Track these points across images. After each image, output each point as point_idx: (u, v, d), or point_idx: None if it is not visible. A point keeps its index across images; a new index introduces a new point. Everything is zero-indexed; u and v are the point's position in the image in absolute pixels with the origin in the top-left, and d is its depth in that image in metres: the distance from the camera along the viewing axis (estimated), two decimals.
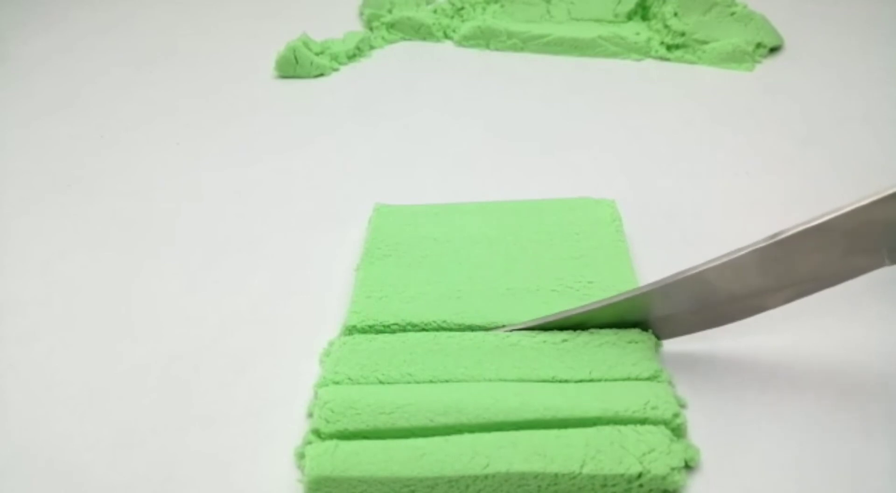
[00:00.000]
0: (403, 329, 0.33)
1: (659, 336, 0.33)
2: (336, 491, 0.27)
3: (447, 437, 0.28)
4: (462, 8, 0.66)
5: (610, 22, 0.63)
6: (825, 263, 0.30)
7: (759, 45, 0.58)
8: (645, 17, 0.63)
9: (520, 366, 0.31)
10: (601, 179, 0.45)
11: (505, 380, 0.30)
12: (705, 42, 0.59)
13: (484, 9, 0.66)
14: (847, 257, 0.30)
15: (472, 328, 0.33)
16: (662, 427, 0.28)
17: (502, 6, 0.65)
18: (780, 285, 0.31)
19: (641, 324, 0.33)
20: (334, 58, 0.60)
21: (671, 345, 0.33)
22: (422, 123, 0.52)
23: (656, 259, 0.37)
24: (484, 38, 0.62)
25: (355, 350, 0.32)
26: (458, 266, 0.36)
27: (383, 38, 0.64)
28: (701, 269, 0.30)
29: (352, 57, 0.61)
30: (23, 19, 0.72)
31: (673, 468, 0.27)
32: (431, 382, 0.31)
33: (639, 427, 0.28)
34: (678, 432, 0.29)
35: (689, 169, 0.46)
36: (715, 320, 0.32)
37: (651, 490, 0.27)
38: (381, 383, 0.31)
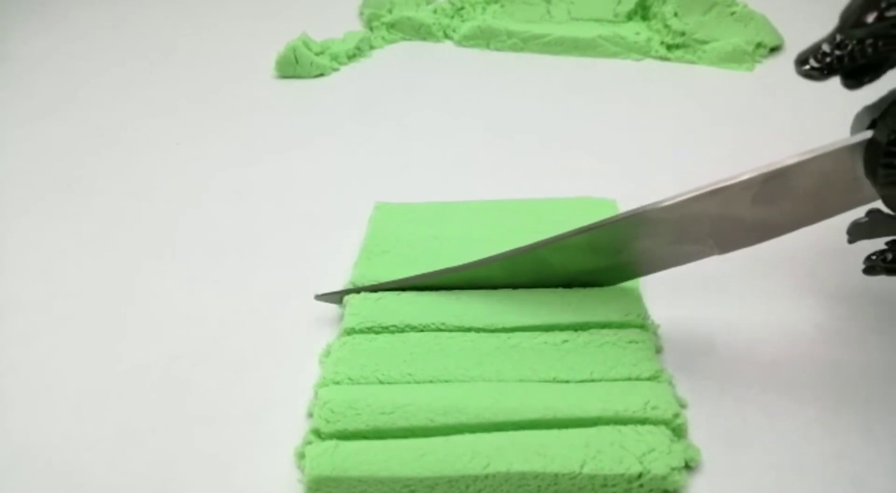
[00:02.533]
0: (402, 331, 0.33)
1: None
2: (336, 491, 0.27)
3: (447, 437, 0.28)
4: (462, 8, 0.66)
5: (610, 22, 0.63)
6: (654, 248, 0.32)
7: (759, 45, 0.58)
8: (645, 17, 0.63)
9: (520, 367, 0.31)
10: (601, 179, 0.45)
11: (505, 380, 0.30)
12: (705, 42, 0.59)
13: (484, 9, 0.66)
14: (675, 245, 0.32)
15: (470, 330, 0.33)
16: (663, 427, 0.28)
17: (502, 6, 0.65)
18: (609, 266, 0.33)
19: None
20: (334, 58, 0.60)
21: (671, 345, 0.33)
22: (422, 123, 0.52)
23: None
24: (484, 38, 0.62)
25: (355, 350, 0.32)
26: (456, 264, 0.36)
27: (383, 38, 0.64)
28: (537, 245, 0.33)
29: (352, 57, 0.61)
30: (23, 19, 0.72)
31: (673, 468, 0.27)
32: (431, 382, 0.31)
33: (639, 427, 0.28)
34: (678, 432, 0.29)
35: (689, 169, 0.46)
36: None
37: (651, 490, 0.27)
38: (381, 383, 0.31)
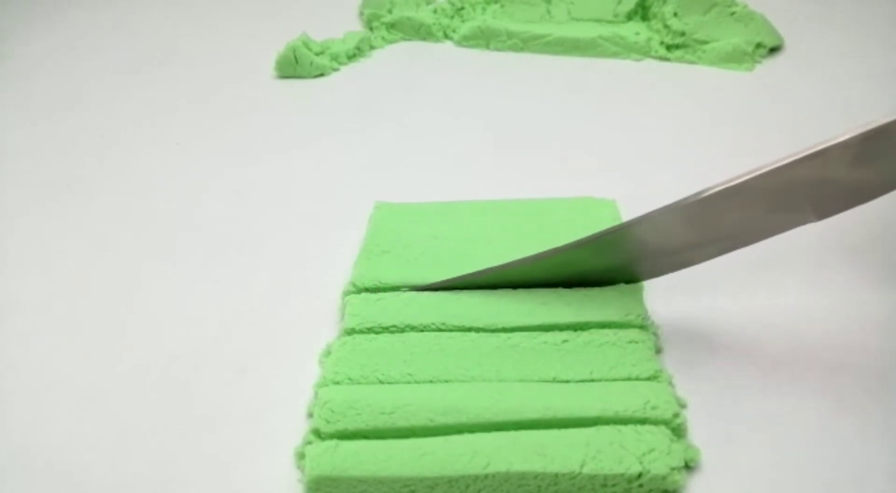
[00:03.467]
0: (402, 331, 0.33)
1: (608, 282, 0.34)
2: (336, 491, 0.27)
3: (447, 437, 0.28)
4: (462, 8, 0.66)
5: (610, 22, 0.63)
6: (748, 219, 0.31)
7: (759, 45, 0.58)
8: (645, 17, 0.63)
9: (520, 367, 0.31)
10: (601, 179, 0.45)
11: (505, 380, 0.30)
12: (705, 42, 0.59)
13: (484, 9, 0.66)
14: (770, 214, 0.31)
15: (470, 330, 0.33)
16: (662, 427, 0.28)
17: (502, 6, 0.65)
18: (706, 240, 0.32)
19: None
20: (334, 58, 0.60)
21: (671, 345, 0.33)
22: (422, 123, 0.52)
23: None
24: (484, 38, 0.62)
25: (355, 350, 0.32)
26: (457, 264, 0.36)
27: (383, 38, 0.64)
28: (631, 224, 0.32)
29: (352, 57, 0.61)
30: (23, 19, 0.72)
31: (673, 468, 0.27)
32: (431, 382, 0.31)
33: (639, 427, 0.28)
34: (678, 432, 0.29)
35: (689, 169, 0.46)
36: (648, 273, 0.34)
37: (651, 490, 0.27)
38: (381, 383, 0.31)
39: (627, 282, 0.34)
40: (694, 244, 0.33)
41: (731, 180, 0.30)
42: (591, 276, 0.34)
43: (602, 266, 0.34)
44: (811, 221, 0.31)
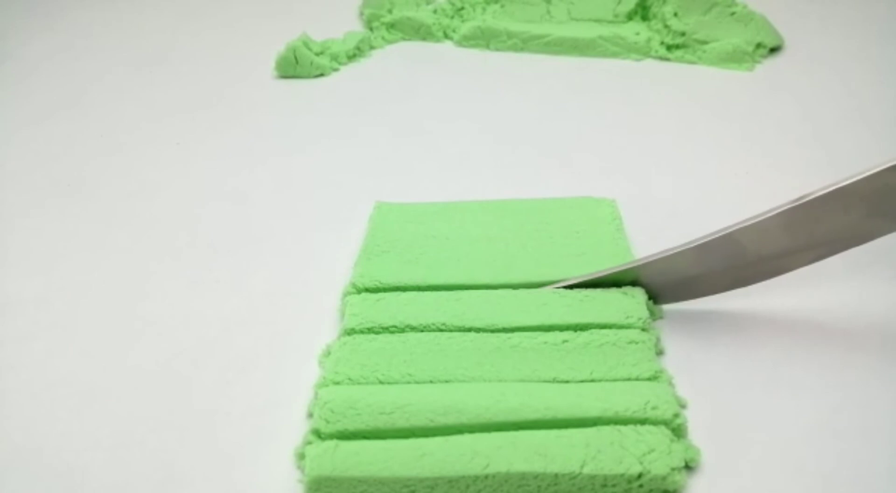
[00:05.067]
0: (402, 331, 0.33)
1: (688, 296, 0.35)
2: (336, 491, 0.27)
3: (447, 437, 0.28)
4: (462, 8, 0.66)
5: (610, 22, 0.63)
6: (848, 224, 0.32)
7: (759, 46, 0.58)
8: (645, 17, 0.63)
9: (520, 367, 0.31)
10: (601, 179, 0.45)
11: (505, 380, 0.30)
12: (705, 42, 0.59)
13: (484, 9, 0.66)
14: (868, 219, 0.31)
15: (471, 330, 0.33)
16: (663, 427, 0.28)
17: (502, 6, 0.65)
18: (805, 246, 0.33)
19: (670, 285, 0.34)
20: (334, 58, 0.60)
21: (671, 345, 0.33)
22: (422, 123, 0.52)
23: None
24: (484, 38, 0.62)
25: (355, 351, 0.32)
26: (457, 264, 0.36)
27: (383, 38, 0.64)
28: (731, 230, 0.32)
29: (352, 57, 0.61)
30: (23, 19, 0.72)
31: (673, 469, 0.27)
32: (431, 382, 0.31)
33: (639, 427, 0.28)
34: (678, 432, 0.29)
35: (689, 169, 0.46)
36: (745, 280, 0.34)
37: (651, 491, 0.27)
38: (381, 383, 0.31)
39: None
40: (791, 251, 0.33)
41: (831, 185, 0.30)
42: (691, 284, 0.35)
43: (700, 272, 0.34)
44: None
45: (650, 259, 0.34)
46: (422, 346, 0.32)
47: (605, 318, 0.33)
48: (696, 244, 0.33)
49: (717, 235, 0.32)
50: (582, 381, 0.30)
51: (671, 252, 0.33)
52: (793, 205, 0.31)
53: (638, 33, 0.60)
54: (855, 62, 0.57)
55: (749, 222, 0.32)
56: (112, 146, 0.51)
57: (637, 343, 0.32)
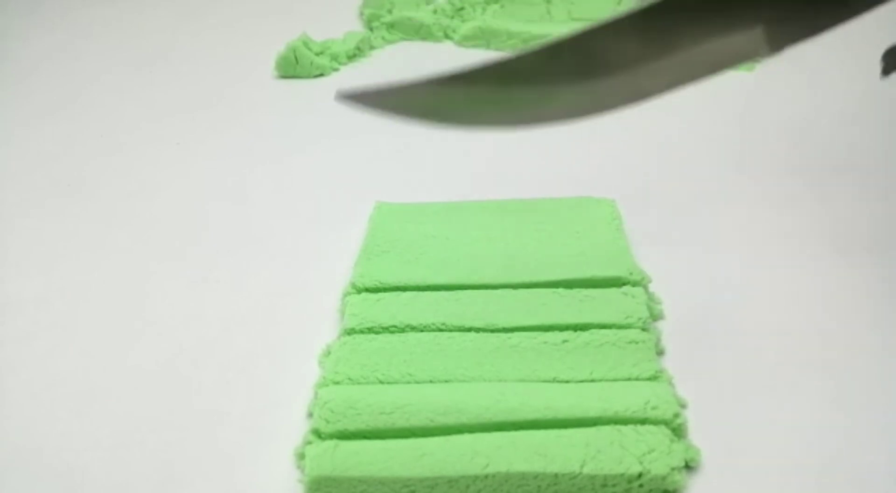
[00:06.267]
0: (402, 331, 0.33)
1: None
2: (336, 491, 0.27)
3: (447, 437, 0.28)
4: (462, 8, 0.66)
5: None
6: (700, 37, 0.30)
7: None
8: None
9: (520, 367, 0.31)
10: (601, 179, 0.45)
11: (505, 380, 0.30)
12: None
13: (484, 9, 0.66)
14: (725, 36, 0.30)
15: (471, 330, 0.33)
16: (663, 427, 0.28)
17: (502, 6, 0.65)
18: (658, 62, 0.30)
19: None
20: (334, 58, 0.60)
21: (671, 345, 0.33)
22: None
23: (656, 259, 0.37)
24: (484, 38, 0.62)
25: (355, 350, 0.32)
26: (457, 264, 0.36)
27: (383, 38, 0.64)
28: (579, 31, 0.29)
29: (352, 57, 0.61)
30: (23, 19, 0.72)
31: (673, 468, 0.27)
32: (431, 382, 0.31)
33: (639, 427, 0.28)
34: (678, 432, 0.29)
35: (689, 169, 0.46)
36: (604, 101, 0.32)
37: (651, 490, 0.27)
38: (381, 383, 0.31)
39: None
40: (646, 63, 0.30)
41: None
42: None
43: (555, 81, 0.31)
44: (764, 54, 0.30)
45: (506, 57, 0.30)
46: (422, 346, 0.32)
47: (605, 318, 0.33)
48: (544, 44, 0.29)
49: (569, 35, 0.29)
50: (582, 381, 0.30)
51: (520, 51, 0.30)
52: (643, 6, 0.28)
53: None
54: (855, 62, 0.57)
55: (599, 22, 0.29)
56: (112, 146, 0.51)
57: (637, 343, 0.32)
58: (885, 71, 0.29)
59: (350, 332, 0.33)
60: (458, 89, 0.32)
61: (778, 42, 0.30)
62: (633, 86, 0.31)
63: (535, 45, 0.30)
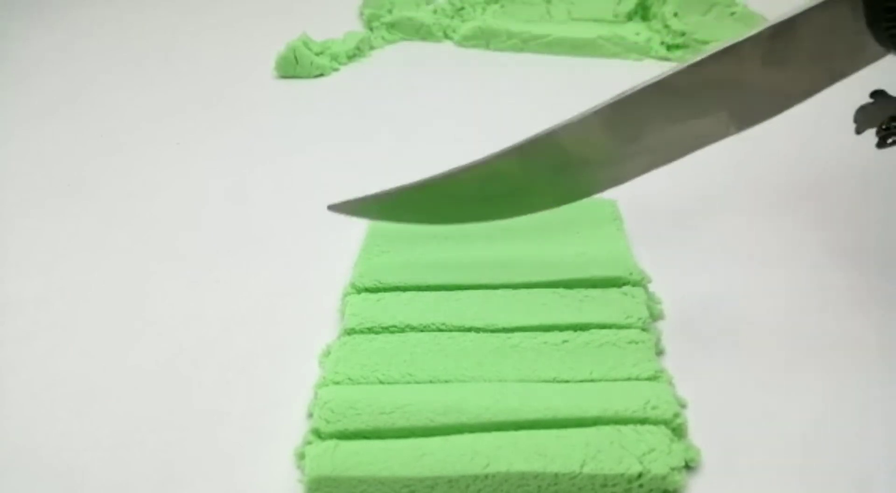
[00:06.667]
0: (402, 331, 0.33)
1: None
2: (336, 491, 0.27)
3: (447, 437, 0.28)
4: (462, 8, 0.66)
5: (610, 22, 0.63)
6: (668, 128, 0.31)
7: None
8: (645, 18, 0.63)
9: (520, 367, 0.31)
10: None
11: (505, 380, 0.30)
12: (705, 42, 0.59)
13: (484, 9, 0.66)
14: (689, 122, 0.30)
15: (471, 330, 0.33)
16: (663, 427, 0.28)
17: (502, 6, 0.65)
18: (629, 152, 0.31)
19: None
20: (334, 58, 0.60)
21: (671, 345, 0.33)
22: (422, 123, 0.52)
23: (657, 259, 0.37)
24: (484, 38, 0.62)
25: (355, 350, 0.32)
26: (457, 264, 0.36)
27: (383, 38, 0.64)
28: (551, 130, 0.31)
29: (352, 57, 0.61)
30: (23, 19, 0.72)
31: (673, 468, 0.27)
32: (431, 382, 0.31)
33: (639, 427, 0.28)
34: (678, 432, 0.29)
35: (689, 169, 0.46)
36: (579, 189, 0.33)
37: (651, 490, 0.27)
38: (381, 383, 0.31)
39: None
40: (618, 156, 0.32)
41: (644, 82, 0.29)
42: (526, 191, 0.33)
43: (531, 178, 0.32)
44: (732, 133, 0.31)
45: (478, 164, 0.32)
46: (422, 346, 0.32)
47: (605, 318, 0.33)
48: (519, 145, 0.31)
49: (538, 135, 0.31)
50: (582, 381, 0.30)
51: (496, 157, 0.32)
52: (608, 102, 0.30)
53: (638, 33, 0.60)
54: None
55: (568, 121, 0.30)
56: (112, 146, 0.51)
57: (637, 343, 0.32)
58: (858, 130, 0.30)
59: (350, 332, 0.33)
60: (438, 193, 0.34)
61: (743, 123, 0.31)
62: (607, 174, 0.33)
63: (507, 148, 0.32)
